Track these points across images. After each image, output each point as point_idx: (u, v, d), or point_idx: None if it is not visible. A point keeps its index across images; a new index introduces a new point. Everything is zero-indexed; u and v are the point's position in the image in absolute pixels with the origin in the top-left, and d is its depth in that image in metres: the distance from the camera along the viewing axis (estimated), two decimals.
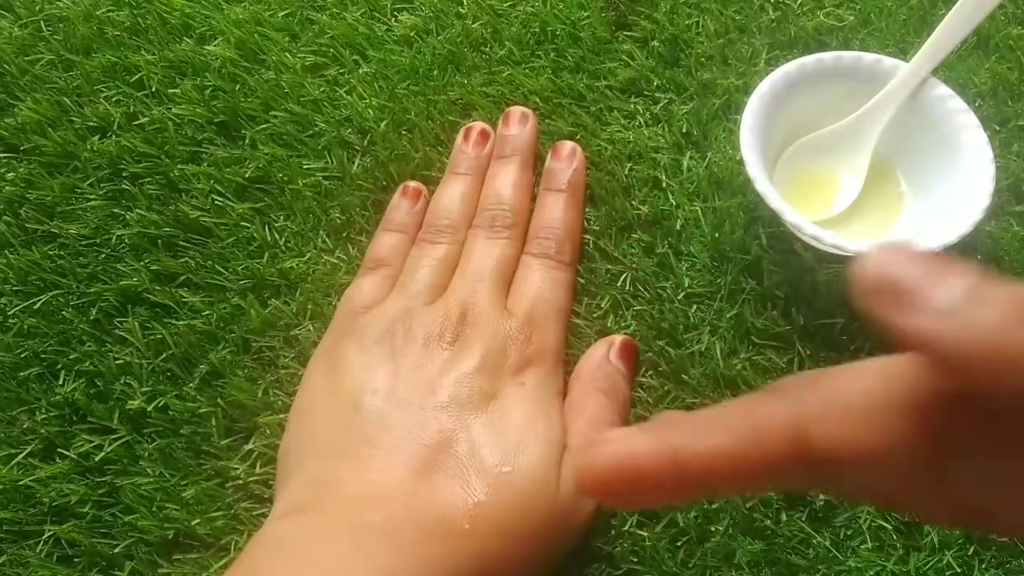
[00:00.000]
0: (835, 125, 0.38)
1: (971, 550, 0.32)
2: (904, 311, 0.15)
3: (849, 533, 0.33)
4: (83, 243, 0.40)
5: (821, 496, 0.33)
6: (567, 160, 0.40)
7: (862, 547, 0.32)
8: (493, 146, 0.41)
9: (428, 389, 0.32)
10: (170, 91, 0.44)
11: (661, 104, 0.42)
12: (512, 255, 0.37)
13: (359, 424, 0.32)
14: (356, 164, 0.41)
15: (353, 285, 0.38)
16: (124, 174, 0.42)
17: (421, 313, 0.35)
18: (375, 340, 0.34)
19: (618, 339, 0.36)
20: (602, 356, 0.35)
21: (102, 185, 0.42)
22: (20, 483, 0.35)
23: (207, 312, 0.38)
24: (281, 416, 0.36)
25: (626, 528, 0.33)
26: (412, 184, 0.40)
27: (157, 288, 0.39)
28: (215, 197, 0.41)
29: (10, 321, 0.39)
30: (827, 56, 0.37)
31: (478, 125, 0.41)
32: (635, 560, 0.33)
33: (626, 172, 0.40)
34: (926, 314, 0.14)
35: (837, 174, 0.39)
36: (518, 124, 0.41)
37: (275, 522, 0.31)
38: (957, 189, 0.35)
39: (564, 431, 0.33)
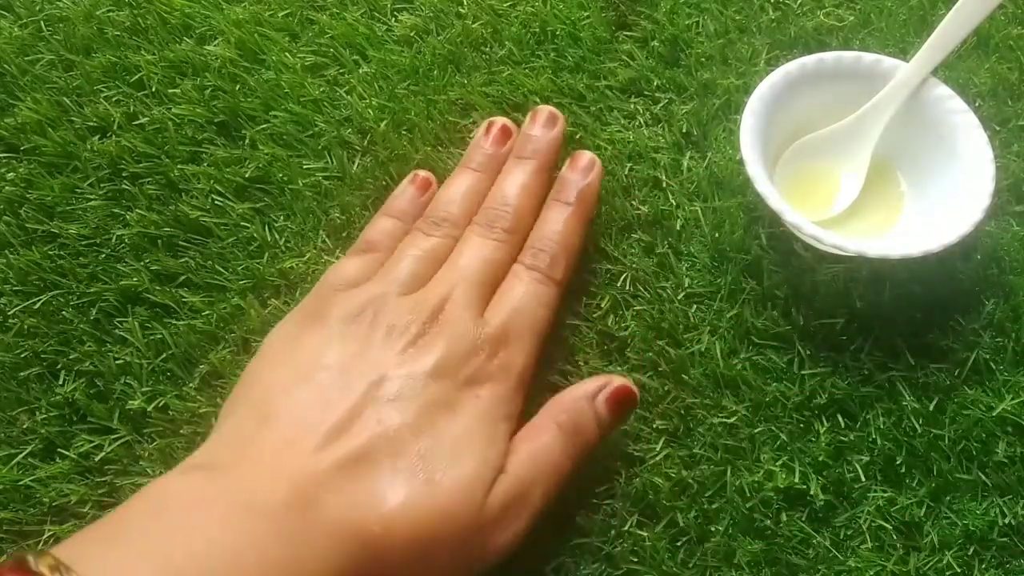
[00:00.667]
0: (835, 125, 0.38)
1: (971, 550, 0.32)
2: None
3: (849, 533, 0.33)
4: (83, 243, 0.40)
5: (821, 496, 0.33)
6: (583, 172, 0.38)
7: (862, 547, 0.32)
8: (512, 146, 0.39)
9: (379, 379, 0.31)
10: (170, 91, 0.44)
11: (661, 104, 0.42)
12: (504, 260, 0.36)
13: (301, 394, 0.31)
14: (356, 164, 0.41)
15: (338, 263, 0.37)
16: (124, 174, 0.42)
17: (394, 302, 0.34)
18: (342, 319, 0.34)
19: (616, 382, 0.34)
20: (587, 393, 0.34)
21: (102, 185, 0.42)
22: (20, 483, 0.35)
23: (207, 312, 0.38)
24: None
25: (626, 528, 0.33)
26: (423, 173, 0.39)
27: (157, 288, 0.39)
28: (215, 197, 0.41)
29: (10, 321, 0.39)
30: (827, 56, 0.37)
31: (500, 120, 0.40)
32: (635, 560, 0.33)
33: (626, 172, 0.40)
34: None
35: (837, 174, 0.39)
36: (544, 126, 0.39)
37: (174, 475, 0.29)
38: (957, 189, 0.35)
39: (504, 454, 0.31)
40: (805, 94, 0.38)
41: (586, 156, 0.39)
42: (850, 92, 0.38)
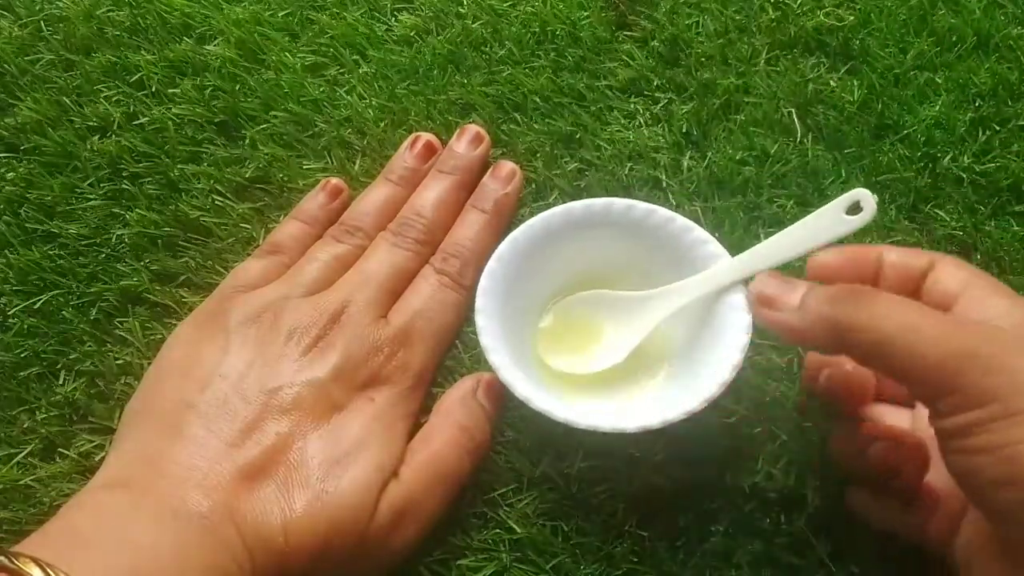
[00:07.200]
0: (627, 293, 0.35)
1: None
2: (773, 311, 0.29)
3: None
4: (83, 243, 0.40)
5: (821, 496, 0.33)
6: (503, 181, 0.39)
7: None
8: (435, 162, 0.40)
9: (277, 387, 0.32)
10: (170, 91, 0.44)
11: (661, 104, 0.42)
12: (411, 269, 0.37)
13: (202, 406, 0.31)
14: (356, 164, 0.41)
15: (241, 264, 0.38)
16: (124, 174, 0.42)
17: (295, 304, 0.34)
18: (241, 322, 0.34)
19: (486, 376, 0.35)
20: (468, 390, 0.34)
21: (102, 185, 0.42)
22: (20, 482, 0.35)
23: None
24: None
25: (626, 528, 0.33)
26: (334, 180, 0.40)
27: (157, 288, 0.39)
28: (215, 197, 0.41)
29: (10, 321, 0.39)
30: (576, 207, 0.35)
31: (426, 136, 0.40)
32: (635, 560, 0.33)
33: (626, 172, 0.40)
34: (785, 312, 0.28)
35: (609, 336, 0.36)
36: (469, 143, 0.40)
37: (98, 491, 0.30)
38: (707, 361, 0.32)
39: (399, 458, 0.32)
40: (565, 240, 0.35)
41: (507, 166, 0.39)
42: (612, 237, 0.35)
